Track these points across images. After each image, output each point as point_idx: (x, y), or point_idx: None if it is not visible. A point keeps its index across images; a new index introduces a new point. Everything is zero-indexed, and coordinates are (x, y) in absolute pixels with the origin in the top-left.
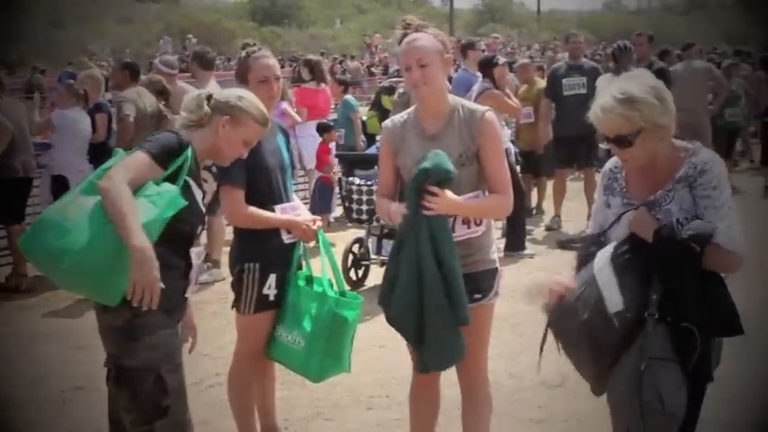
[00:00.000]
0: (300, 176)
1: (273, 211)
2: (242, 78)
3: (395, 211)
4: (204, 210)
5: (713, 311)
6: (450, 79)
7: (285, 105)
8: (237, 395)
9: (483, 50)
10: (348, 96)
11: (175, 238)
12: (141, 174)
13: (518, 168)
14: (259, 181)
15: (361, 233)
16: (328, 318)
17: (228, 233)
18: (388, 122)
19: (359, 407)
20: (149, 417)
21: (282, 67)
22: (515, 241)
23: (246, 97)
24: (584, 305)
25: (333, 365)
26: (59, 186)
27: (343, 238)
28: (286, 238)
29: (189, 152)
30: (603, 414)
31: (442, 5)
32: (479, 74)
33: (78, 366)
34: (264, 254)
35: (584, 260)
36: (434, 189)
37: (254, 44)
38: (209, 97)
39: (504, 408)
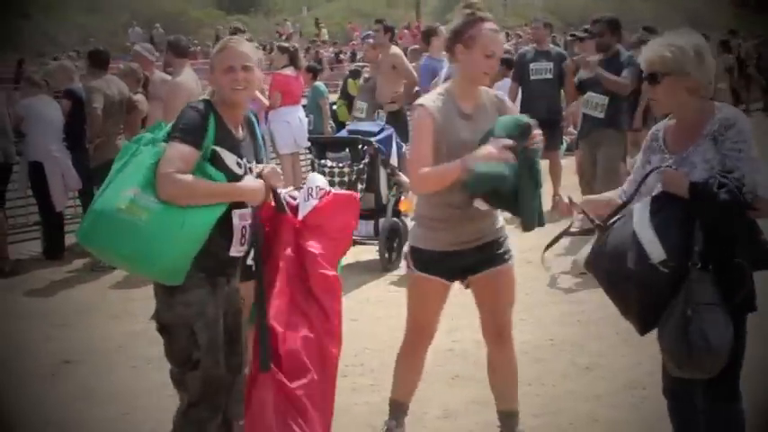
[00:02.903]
0: (272, 159)
1: None
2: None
3: (492, 150)
4: (243, 171)
5: (753, 245)
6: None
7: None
8: None
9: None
10: (318, 83)
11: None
12: (185, 164)
13: None
14: None
15: None
16: None
17: None
18: (427, 102)
19: None
20: (182, 367)
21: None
22: None
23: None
24: (629, 257)
25: None
26: (35, 172)
27: None
28: None
29: (211, 121)
30: (564, 378)
31: None
32: (444, 58)
33: (63, 342)
34: None
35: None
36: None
37: (244, 30)
38: None
39: (470, 372)
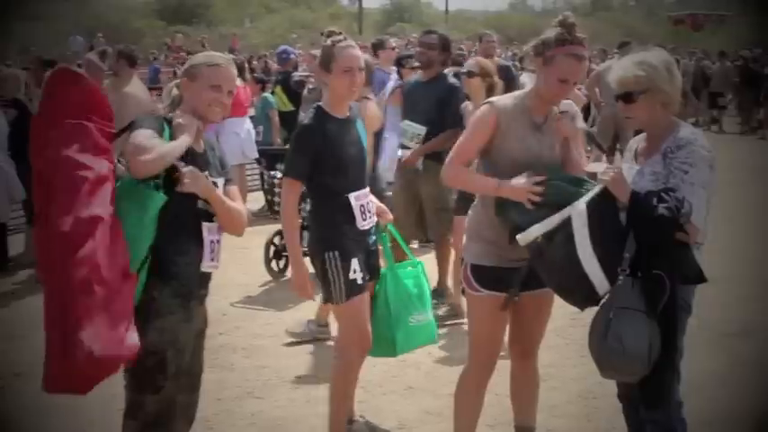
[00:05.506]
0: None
1: (348, 198)
2: (325, 67)
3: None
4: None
5: (681, 263)
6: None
7: None
8: (345, 389)
9: (393, 48)
10: (266, 94)
11: (177, 222)
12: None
13: None
14: (338, 172)
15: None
16: (426, 281)
17: None
18: (497, 102)
19: (287, 386)
20: (143, 390)
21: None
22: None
23: (196, 55)
24: (577, 290)
25: None
26: None
27: (266, 231)
28: (360, 225)
29: (165, 133)
30: None
31: (350, 4)
32: (393, 71)
33: (15, 354)
34: (342, 240)
35: None
36: None
37: (339, 32)
38: (178, 85)
39: (423, 383)
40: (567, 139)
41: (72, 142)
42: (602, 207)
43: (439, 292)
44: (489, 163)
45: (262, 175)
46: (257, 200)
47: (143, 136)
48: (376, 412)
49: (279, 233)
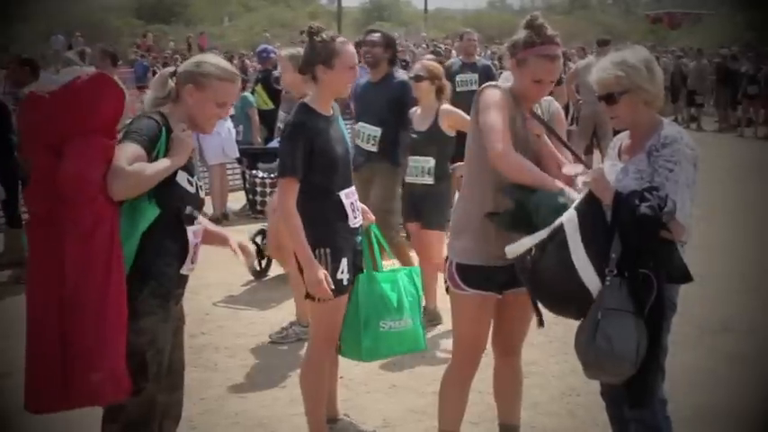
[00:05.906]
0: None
1: (339, 196)
2: (327, 62)
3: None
4: (194, 189)
5: (666, 262)
6: None
7: None
8: (316, 386)
9: None
10: (246, 93)
11: (164, 225)
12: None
13: None
14: (329, 169)
15: (264, 224)
16: (415, 287)
17: None
18: (502, 85)
19: (271, 385)
20: None
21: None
22: None
23: (205, 60)
24: (574, 293)
25: None
26: None
27: (247, 231)
28: (352, 222)
29: (164, 134)
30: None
31: (329, 3)
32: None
33: (2, 354)
34: (334, 238)
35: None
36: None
37: (325, 28)
38: (173, 73)
39: (406, 381)
40: (540, 136)
41: (97, 162)
42: (591, 210)
43: None
44: (480, 146)
45: (243, 174)
46: (238, 199)
47: (128, 156)
48: (360, 411)
49: (261, 232)
